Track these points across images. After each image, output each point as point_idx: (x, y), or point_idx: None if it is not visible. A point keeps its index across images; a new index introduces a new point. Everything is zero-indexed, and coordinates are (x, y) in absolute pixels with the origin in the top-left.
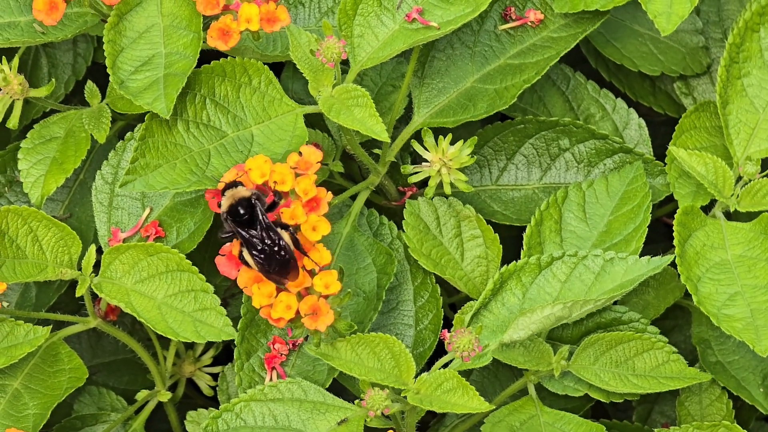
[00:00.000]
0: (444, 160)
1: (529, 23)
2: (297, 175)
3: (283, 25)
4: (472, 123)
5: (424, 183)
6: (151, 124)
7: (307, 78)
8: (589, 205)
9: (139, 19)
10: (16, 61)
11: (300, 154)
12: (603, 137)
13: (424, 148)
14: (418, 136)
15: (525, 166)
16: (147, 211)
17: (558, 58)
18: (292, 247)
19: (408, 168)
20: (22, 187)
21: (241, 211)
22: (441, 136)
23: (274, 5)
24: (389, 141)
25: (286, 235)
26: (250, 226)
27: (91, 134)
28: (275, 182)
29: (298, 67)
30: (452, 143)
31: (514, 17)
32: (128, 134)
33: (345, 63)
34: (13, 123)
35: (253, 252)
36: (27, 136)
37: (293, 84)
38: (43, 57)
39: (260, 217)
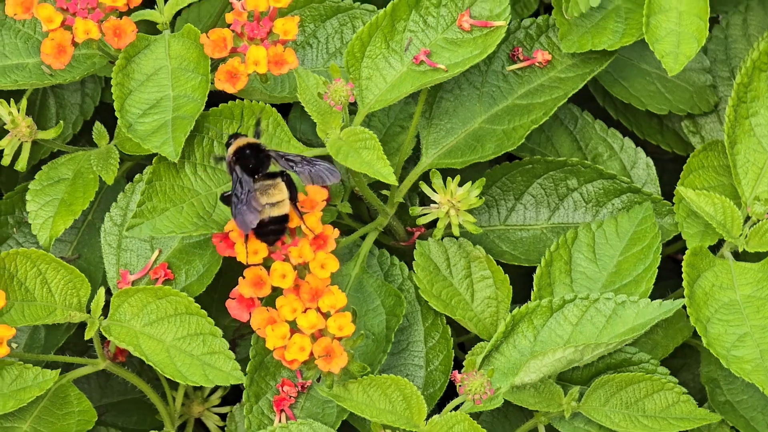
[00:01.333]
0: (452, 202)
1: (537, 63)
2: (303, 213)
3: (291, 68)
4: (480, 163)
5: (432, 223)
6: (159, 167)
7: (314, 120)
8: (598, 245)
9: (147, 61)
10: (24, 103)
11: (305, 193)
12: (611, 177)
13: (433, 189)
14: (426, 176)
15: (533, 206)
16: (156, 253)
17: (566, 99)
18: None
19: (416, 210)
20: (31, 229)
21: (248, 152)
22: (449, 177)
23: (281, 48)
24: (397, 184)
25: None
26: (254, 174)
27: (99, 175)
28: None
29: (306, 109)
30: (460, 184)
31: (521, 57)
32: (137, 176)
33: (353, 104)
34: (21, 165)
35: (253, 204)
36: (35, 177)
37: (301, 124)
38: (51, 97)
39: (274, 155)
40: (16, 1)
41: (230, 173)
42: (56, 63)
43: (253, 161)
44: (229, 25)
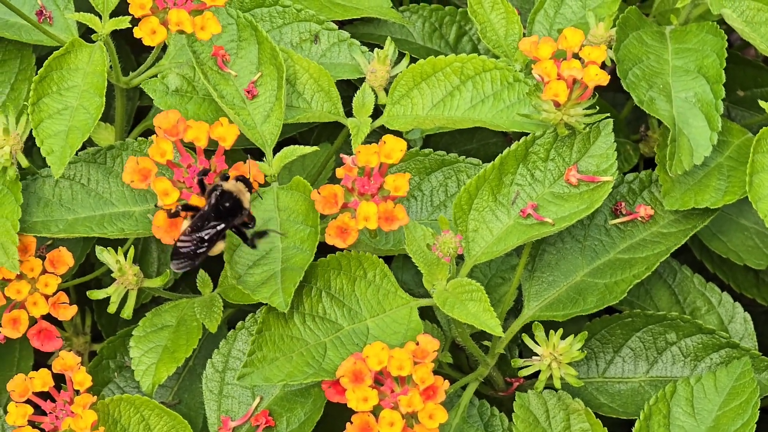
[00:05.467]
0: (555, 355)
1: (640, 218)
2: (414, 363)
3: (401, 224)
4: (580, 315)
5: (531, 374)
6: (268, 317)
7: (421, 271)
8: (697, 400)
9: (257, 213)
10: (131, 251)
11: (417, 343)
12: (710, 332)
13: (535, 342)
14: (527, 328)
15: (632, 359)
16: (257, 400)
17: (668, 254)
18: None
19: (518, 362)
20: (133, 374)
21: (227, 205)
22: (552, 331)
23: (392, 204)
24: (503, 335)
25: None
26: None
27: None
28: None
29: (413, 260)
30: (560, 335)
31: (624, 212)
32: (239, 323)
33: (459, 256)
34: (127, 313)
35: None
36: (139, 324)
37: (402, 274)
38: (153, 242)
39: (220, 225)
40: (134, 168)
41: (203, 195)
42: (166, 238)
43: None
44: (338, 182)
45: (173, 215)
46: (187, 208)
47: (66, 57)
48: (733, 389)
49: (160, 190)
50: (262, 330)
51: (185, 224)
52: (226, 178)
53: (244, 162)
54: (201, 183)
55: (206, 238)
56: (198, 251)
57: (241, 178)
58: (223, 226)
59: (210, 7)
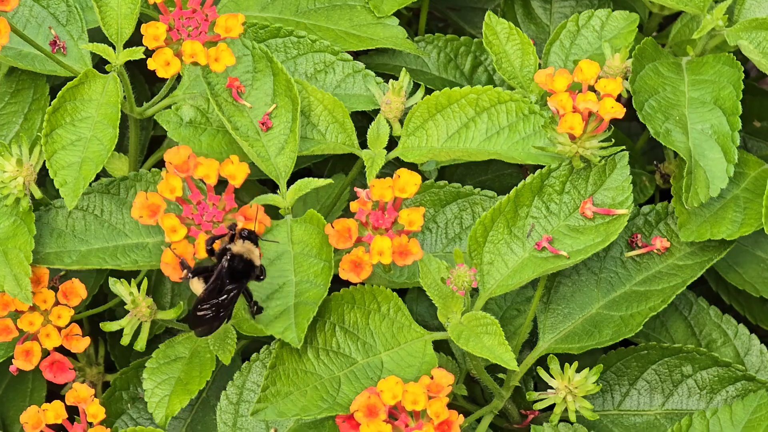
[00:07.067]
0: (570, 388)
1: (656, 251)
2: (429, 397)
3: (415, 258)
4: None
5: (547, 407)
6: (282, 351)
7: (436, 304)
8: None
9: (270, 246)
10: (144, 283)
11: (431, 377)
12: (726, 365)
13: (550, 374)
14: (542, 360)
15: (647, 392)
16: None
17: (684, 287)
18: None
19: (533, 395)
20: (146, 406)
21: (240, 268)
22: (567, 364)
23: (406, 238)
24: (517, 369)
25: None
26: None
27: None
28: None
29: (427, 293)
30: (575, 368)
31: (640, 244)
32: (254, 355)
33: (474, 289)
34: (140, 345)
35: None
36: (152, 355)
37: (417, 306)
38: None
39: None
40: (143, 204)
41: (215, 258)
42: (175, 275)
43: (238, 269)
44: (353, 214)
45: (185, 279)
46: (197, 272)
47: (80, 88)
48: (749, 422)
49: (168, 226)
50: (275, 364)
51: (196, 285)
52: (233, 228)
53: (259, 194)
54: (211, 251)
55: (226, 303)
56: (219, 315)
57: (247, 235)
58: (239, 286)
59: (225, 39)
